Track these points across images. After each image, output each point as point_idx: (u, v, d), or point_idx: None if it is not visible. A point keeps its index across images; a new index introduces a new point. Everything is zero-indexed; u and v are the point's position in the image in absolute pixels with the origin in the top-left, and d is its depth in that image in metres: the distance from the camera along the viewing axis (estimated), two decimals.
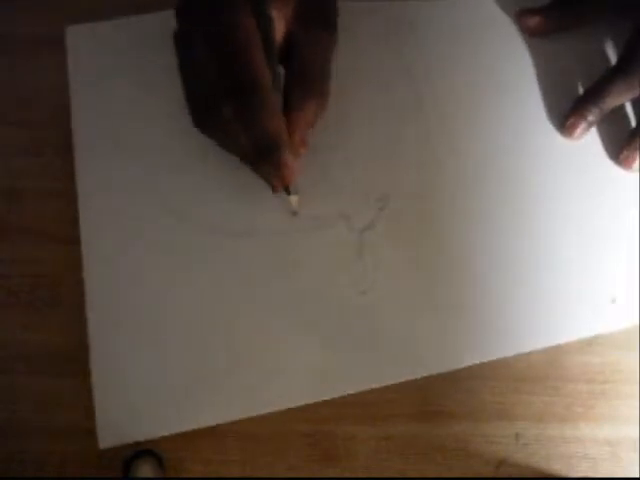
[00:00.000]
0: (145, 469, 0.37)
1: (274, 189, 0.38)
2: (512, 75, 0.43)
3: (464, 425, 0.38)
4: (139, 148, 0.41)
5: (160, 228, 0.39)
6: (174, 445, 0.38)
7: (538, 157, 0.41)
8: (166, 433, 0.37)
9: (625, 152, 0.41)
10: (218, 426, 0.38)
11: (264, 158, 0.36)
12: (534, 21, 0.43)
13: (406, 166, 0.41)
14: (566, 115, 0.41)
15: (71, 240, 0.40)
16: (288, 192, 0.38)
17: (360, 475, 0.38)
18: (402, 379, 0.38)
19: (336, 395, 0.38)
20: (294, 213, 0.39)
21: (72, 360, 0.38)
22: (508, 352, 0.38)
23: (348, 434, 0.38)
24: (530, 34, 0.43)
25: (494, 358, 0.38)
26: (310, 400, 0.38)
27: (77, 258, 0.39)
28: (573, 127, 0.41)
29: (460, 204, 0.40)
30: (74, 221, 0.40)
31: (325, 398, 0.38)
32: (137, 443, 0.37)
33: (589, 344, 0.39)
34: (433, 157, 0.41)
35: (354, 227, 0.40)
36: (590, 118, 0.41)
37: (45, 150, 0.41)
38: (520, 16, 0.43)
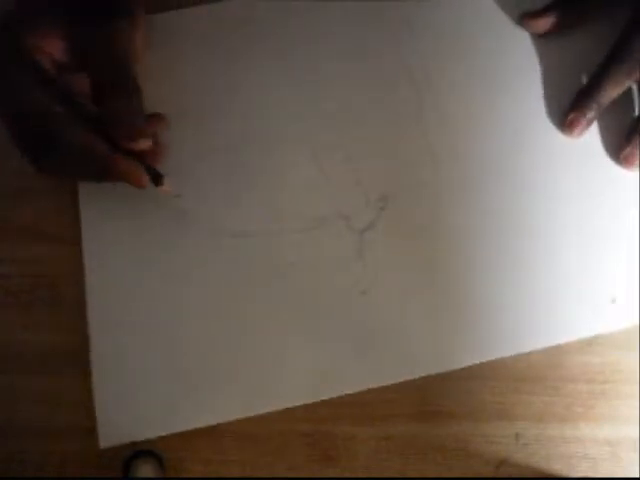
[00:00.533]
0: (145, 469, 0.37)
1: (141, 187, 0.37)
2: (512, 74, 0.43)
3: (464, 425, 0.38)
4: None
5: (160, 228, 0.39)
6: (174, 445, 0.38)
7: (538, 157, 0.41)
8: (166, 433, 0.37)
9: (626, 150, 0.40)
10: (218, 426, 0.38)
11: (106, 176, 0.36)
12: (540, 22, 0.42)
13: (406, 166, 0.41)
14: (565, 113, 0.41)
15: (71, 240, 0.40)
16: (158, 181, 0.37)
17: (360, 475, 0.38)
18: (401, 379, 0.38)
19: (335, 395, 0.38)
20: (177, 196, 0.39)
21: (72, 360, 0.38)
22: (507, 352, 0.38)
23: (348, 434, 0.38)
24: (536, 35, 0.43)
25: (493, 358, 0.38)
26: (309, 400, 0.38)
27: (77, 258, 0.39)
28: (573, 125, 0.41)
29: (460, 204, 0.40)
30: (74, 221, 0.40)
31: (324, 398, 0.38)
32: (137, 443, 0.37)
33: (589, 344, 0.39)
34: (433, 157, 0.41)
35: (354, 227, 0.40)
36: (589, 114, 0.41)
37: None
38: (525, 19, 0.43)
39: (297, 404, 0.38)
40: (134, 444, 0.37)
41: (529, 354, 0.39)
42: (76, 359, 0.38)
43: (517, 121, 0.42)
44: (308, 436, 0.38)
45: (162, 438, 0.37)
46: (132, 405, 0.37)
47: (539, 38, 0.43)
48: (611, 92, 0.40)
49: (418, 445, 0.38)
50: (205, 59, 0.42)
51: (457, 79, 0.42)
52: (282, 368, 0.38)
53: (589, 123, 0.41)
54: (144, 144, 0.36)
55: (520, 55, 0.43)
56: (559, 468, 0.38)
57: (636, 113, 0.42)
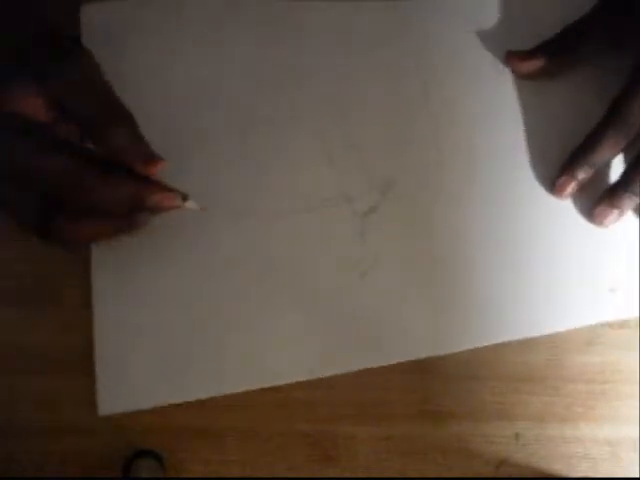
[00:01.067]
0: (145, 469, 0.37)
1: (173, 207, 0.35)
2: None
3: (464, 425, 0.38)
4: None
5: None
6: (174, 445, 0.38)
7: (542, 148, 0.41)
8: (164, 403, 0.37)
9: (600, 207, 0.39)
10: (218, 426, 0.38)
11: (138, 218, 0.34)
12: (524, 66, 0.41)
13: (411, 153, 0.41)
14: (557, 175, 0.40)
15: None
16: (184, 200, 0.35)
17: (360, 475, 0.38)
18: (397, 360, 0.38)
19: (331, 373, 0.38)
20: (203, 209, 0.37)
21: (72, 360, 0.38)
22: (505, 337, 0.39)
23: (348, 434, 0.38)
24: (521, 78, 0.42)
25: (491, 343, 0.38)
26: (305, 377, 0.38)
27: (77, 258, 0.39)
28: (562, 188, 0.40)
29: (462, 193, 0.41)
30: None
31: (321, 376, 0.38)
32: (137, 443, 0.37)
33: (589, 344, 0.39)
34: (437, 146, 0.41)
35: (357, 210, 0.40)
36: (581, 176, 0.39)
37: None
38: (509, 59, 0.42)
39: (293, 381, 0.38)
40: (134, 444, 0.37)
41: (529, 354, 0.39)
42: (76, 359, 0.38)
43: (522, 114, 0.42)
44: (308, 436, 0.38)
45: (162, 438, 0.37)
46: (131, 375, 0.38)
47: None
48: (607, 154, 0.39)
49: (418, 445, 0.38)
50: (217, 50, 0.42)
51: (464, 71, 0.42)
52: (280, 345, 0.38)
53: (581, 185, 0.40)
54: (161, 164, 0.34)
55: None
56: (559, 468, 0.38)
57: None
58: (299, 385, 0.38)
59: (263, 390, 0.38)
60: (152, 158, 0.34)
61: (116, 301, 0.39)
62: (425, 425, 0.38)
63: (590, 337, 0.39)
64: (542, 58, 0.41)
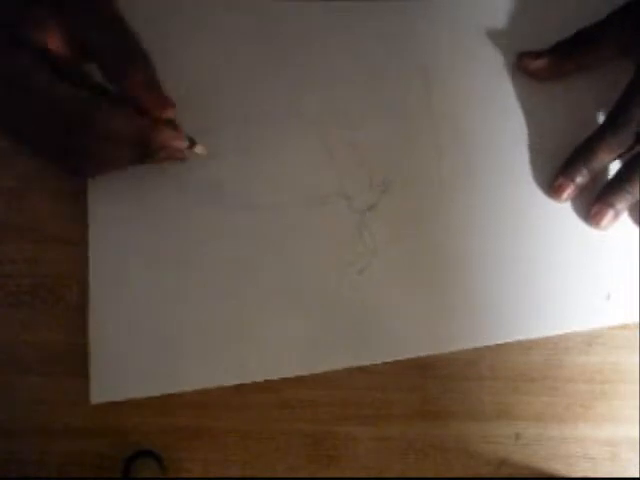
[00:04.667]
0: (145, 469, 0.37)
1: (182, 159, 0.37)
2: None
3: (464, 425, 0.38)
4: None
5: (159, 191, 0.40)
6: (174, 445, 0.38)
7: (542, 151, 0.41)
8: (156, 393, 0.38)
9: (596, 207, 0.39)
10: (218, 426, 0.38)
11: (148, 152, 0.36)
12: (533, 65, 0.42)
13: (411, 152, 0.41)
14: (554, 178, 0.40)
15: (71, 240, 0.40)
16: (191, 146, 0.37)
17: (360, 475, 0.38)
18: (392, 358, 0.38)
19: (328, 369, 0.38)
20: (209, 155, 0.39)
21: (72, 360, 0.38)
22: (500, 339, 0.39)
23: (348, 434, 0.38)
24: (532, 78, 0.42)
25: (485, 344, 0.39)
26: (301, 372, 0.38)
27: (77, 258, 0.39)
28: (561, 189, 0.40)
29: (461, 193, 0.41)
30: (74, 221, 0.40)
31: (317, 371, 0.38)
32: (137, 443, 0.37)
33: (589, 344, 0.39)
34: (437, 144, 0.41)
35: (355, 207, 0.40)
36: (579, 179, 0.40)
37: None
38: (519, 60, 0.42)
39: (289, 375, 0.38)
40: (134, 444, 0.37)
41: (529, 354, 0.39)
42: (76, 359, 0.38)
43: (523, 113, 0.42)
44: (308, 436, 0.38)
45: (162, 438, 0.37)
46: (125, 365, 0.38)
47: None
48: (604, 159, 0.39)
49: (418, 445, 0.38)
50: (223, 42, 0.42)
51: (468, 69, 0.43)
52: (276, 339, 0.38)
53: (578, 188, 0.40)
54: (172, 111, 0.36)
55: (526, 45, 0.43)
56: (559, 468, 0.38)
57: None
58: (299, 385, 0.38)
59: (263, 390, 0.38)
60: (165, 101, 0.35)
61: (111, 291, 0.39)
62: (425, 425, 0.38)
63: (590, 337, 0.39)
64: (554, 59, 0.41)
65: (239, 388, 0.38)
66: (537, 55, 0.42)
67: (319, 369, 0.38)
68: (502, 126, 0.42)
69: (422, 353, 0.39)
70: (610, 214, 0.39)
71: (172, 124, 0.36)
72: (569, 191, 0.40)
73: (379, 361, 0.38)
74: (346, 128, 0.41)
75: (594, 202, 0.40)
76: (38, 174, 0.41)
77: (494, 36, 0.43)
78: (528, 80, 0.42)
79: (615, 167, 0.40)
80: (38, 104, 0.34)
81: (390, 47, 0.43)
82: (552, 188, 0.40)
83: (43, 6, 0.34)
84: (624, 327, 0.39)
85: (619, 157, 0.40)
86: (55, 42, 0.34)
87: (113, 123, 0.34)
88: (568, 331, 0.39)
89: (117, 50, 0.35)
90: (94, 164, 0.37)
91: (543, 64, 0.41)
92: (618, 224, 0.40)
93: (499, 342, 0.39)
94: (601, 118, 0.41)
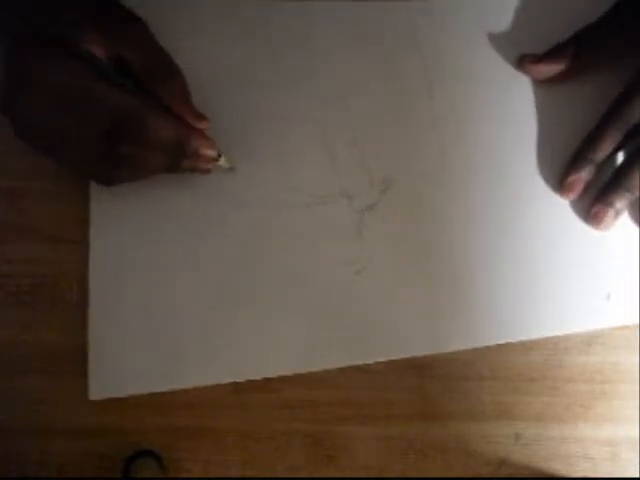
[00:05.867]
0: (145, 469, 0.37)
1: (207, 171, 0.38)
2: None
3: (464, 425, 0.38)
4: None
5: (160, 192, 0.40)
6: (174, 445, 0.38)
7: (543, 152, 0.41)
8: (154, 390, 0.38)
9: (596, 207, 0.40)
10: (218, 426, 0.38)
11: (181, 159, 0.37)
12: (538, 69, 0.42)
13: (411, 151, 0.41)
14: (563, 175, 0.40)
15: (71, 240, 0.40)
16: (217, 159, 0.38)
17: (360, 475, 0.38)
18: (387, 358, 0.38)
19: (326, 367, 0.38)
20: (232, 169, 0.40)
21: (72, 360, 0.38)
22: (501, 339, 0.39)
23: (348, 434, 0.38)
24: (534, 79, 0.42)
25: (485, 344, 0.39)
26: (296, 370, 0.38)
27: (77, 258, 0.39)
28: (571, 187, 0.40)
29: (461, 193, 0.41)
30: (74, 221, 0.40)
31: (314, 370, 0.38)
32: (137, 443, 0.37)
33: (589, 344, 0.39)
34: (438, 144, 0.41)
35: (355, 207, 0.40)
36: (585, 175, 0.40)
37: None
38: (523, 63, 0.42)
39: (287, 373, 0.38)
40: (134, 444, 0.37)
41: (528, 354, 0.39)
42: (76, 359, 0.38)
43: (525, 114, 0.42)
44: (308, 436, 0.38)
45: (162, 438, 0.37)
46: (124, 362, 0.38)
47: None
48: (608, 148, 0.39)
49: (418, 445, 0.38)
50: (223, 41, 0.43)
51: (470, 70, 0.43)
52: (273, 337, 0.39)
53: (585, 182, 0.40)
54: (205, 123, 0.37)
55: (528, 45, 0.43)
56: (559, 468, 0.38)
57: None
58: (299, 385, 0.38)
59: (263, 390, 0.38)
60: (199, 113, 0.37)
61: (111, 291, 0.39)
62: (425, 425, 0.38)
63: (590, 337, 0.39)
64: (555, 60, 0.41)
65: (239, 388, 0.38)
66: (538, 57, 0.42)
67: (317, 367, 0.38)
68: (502, 127, 0.42)
69: (421, 353, 0.39)
70: (610, 214, 0.39)
71: (203, 134, 0.38)
72: (580, 187, 0.40)
73: (378, 360, 0.39)
74: (346, 128, 0.42)
75: (594, 202, 0.40)
76: (38, 174, 0.41)
77: (495, 37, 0.43)
78: (529, 81, 0.42)
79: (614, 168, 0.40)
80: (81, 104, 0.34)
81: (391, 47, 0.43)
82: (563, 185, 0.40)
83: (88, 24, 0.36)
84: (624, 327, 0.39)
85: (619, 149, 0.40)
86: (99, 52, 0.36)
87: (152, 125, 0.35)
88: (568, 332, 0.39)
89: (156, 65, 0.37)
90: (129, 170, 0.37)
91: (544, 66, 0.41)
92: (618, 224, 0.40)
93: (499, 342, 0.39)
94: None
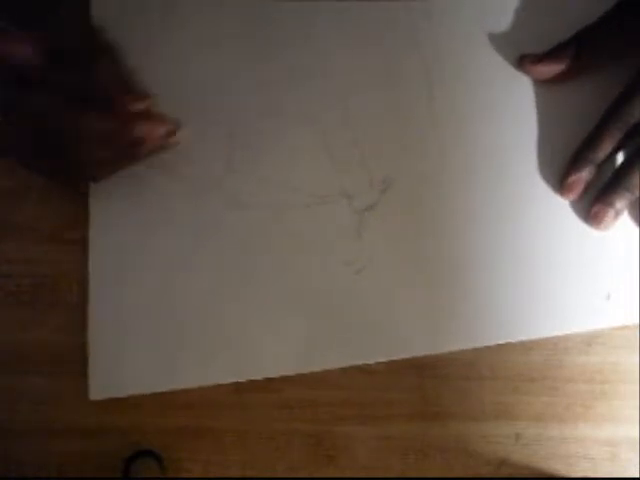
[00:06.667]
0: (145, 469, 0.37)
1: (175, 143, 0.38)
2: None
3: (464, 425, 0.38)
4: None
5: (160, 192, 0.40)
6: (174, 445, 0.38)
7: (543, 152, 0.41)
8: (155, 390, 0.38)
9: (596, 207, 0.39)
10: (217, 426, 0.38)
11: (133, 145, 0.36)
12: (538, 69, 0.42)
13: (412, 152, 0.41)
14: (563, 175, 0.40)
15: (71, 240, 0.40)
16: (174, 130, 0.38)
17: (360, 475, 0.38)
18: (393, 357, 0.38)
19: (326, 367, 0.38)
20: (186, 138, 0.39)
21: (72, 360, 0.38)
22: (501, 339, 0.39)
23: (348, 434, 0.38)
24: (534, 79, 0.42)
25: (485, 344, 0.39)
26: (299, 371, 0.38)
27: (77, 258, 0.39)
28: (571, 188, 0.40)
29: (462, 193, 0.41)
30: (74, 221, 0.40)
31: (314, 370, 0.38)
32: (137, 443, 0.37)
33: (589, 344, 0.39)
34: (439, 146, 0.41)
35: (355, 207, 0.40)
36: (586, 175, 0.40)
37: None
38: (523, 63, 0.42)
39: (287, 374, 0.38)
40: (134, 444, 0.37)
41: (529, 354, 0.39)
42: (76, 359, 0.38)
43: (525, 113, 0.42)
44: (308, 436, 0.38)
45: (162, 438, 0.37)
46: (124, 362, 0.38)
47: None
48: (608, 147, 0.39)
49: (418, 445, 0.38)
50: (224, 40, 0.42)
51: (470, 70, 0.42)
52: (273, 337, 0.38)
53: (586, 182, 0.40)
54: (147, 100, 0.36)
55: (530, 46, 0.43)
56: (559, 468, 0.38)
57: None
58: (299, 385, 0.38)
59: (263, 390, 0.38)
60: (138, 95, 0.36)
61: (111, 291, 0.39)
62: (425, 425, 0.38)
63: (590, 337, 0.39)
64: (556, 60, 0.41)
65: (239, 388, 0.38)
66: (538, 57, 0.42)
67: (317, 367, 0.38)
68: (502, 127, 0.42)
69: (421, 353, 0.39)
70: (610, 214, 0.39)
71: (146, 115, 0.36)
72: (580, 187, 0.40)
73: (378, 360, 0.39)
74: (346, 128, 0.42)
75: (594, 202, 0.40)
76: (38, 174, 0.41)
77: (495, 37, 0.43)
78: (529, 81, 0.42)
79: (614, 168, 0.40)
80: (21, 122, 0.34)
81: (391, 47, 0.43)
82: (564, 186, 0.40)
83: (21, 26, 0.34)
84: (624, 327, 0.39)
85: (619, 149, 0.40)
86: (29, 53, 0.34)
87: (84, 126, 0.34)
88: (568, 332, 0.39)
89: (77, 50, 0.35)
90: (87, 172, 0.37)
91: (544, 66, 0.41)
92: (618, 224, 0.40)
93: (499, 342, 0.39)
94: None
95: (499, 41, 0.43)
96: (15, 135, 0.35)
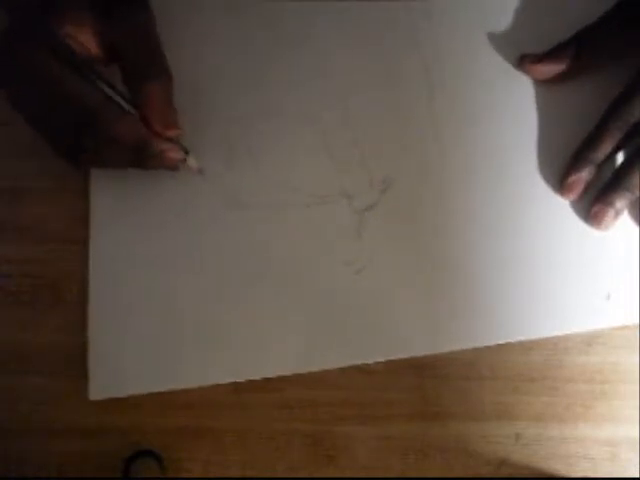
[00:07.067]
0: (145, 469, 0.37)
1: (174, 169, 0.38)
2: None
3: (464, 425, 0.38)
4: None
5: (160, 191, 0.40)
6: (174, 445, 0.38)
7: (543, 152, 0.41)
8: (154, 390, 0.38)
9: (596, 207, 0.39)
10: (217, 426, 0.38)
11: (144, 159, 0.37)
12: (539, 69, 0.42)
13: (412, 152, 0.41)
14: (563, 175, 0.40)
15: (71, 240, 0.40)
16: (184, 159, 0.38)
17: (360, 475, 0.38)
18: (386, 358, 0.38)
19: (326, 367, 0.38)
20: (200, 171, 0.40)
21: (72, 360, 0.38)
22: (501, 339, 0.39)
23: (348, 434, 0.38)
24: (535, 79, 0.42)
25: (485, 344, 0.39)
26: (298, 370, 0.38)
27: (78, 258, 0.39)
28: (571, 187, 0.40)
29: (462, 193, 0.41)
30: (74, 221, 0.40)
31: (313, 370, 0.38)
32: (137, 443, 0.37)
33: (589, 344, 0.39)
34: (439, 145, 0.41)
35: (355, 207, 0.40)
36: (586, 175, 0.40)
37: (46, 150, 0.40)
38: (523, 63, 0.42)
39: (287, 373, 0.38)
40: (134, 444, 0.37)
41: (529, 354, 0.39)
42: (76, 359, 0.38)
43: (525, 116, 0.42)
44: (308, 436, 0.38)
45: (162, 438, 0.37)
46: (124, 362, 0.38)
47: None
48: (608, 148, 0.39)
49: (418, 445, 0.38)
50: (225, 40, 0.43)
51: (470, 70, 0.43)
52: (273, 337, 0.39)
53: (586, 182, 0.40)
54: (175, 132, 0.37)
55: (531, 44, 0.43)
56: (559, 468, 0.38)
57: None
58: (299, 385, 0.38)
59: (263, 390, 0.38)
60: (171, 123, 0.37)
61: (111, 291, 0.39)
62: (425, 425, 0.38)
63: (590, 337, 0.39)
64: (556, 60, 0.41)
65: (239, 388, 0.38)
66: (538, 57, 0.42)
67: (317, 367, 0.38)
68: (502, 127, 0.42)
69: (421, 353, 0.39)
70: (610, 213, 0.39)
71: (171, 139, 0.37)
72: (580, 187, 0.40)
73: (378, 360, 0.39)
74: (346, 128, 0.42)
75: (594, 202, 0.40)
76: (38, 174, 0.41)
77: (495, 37, 0.43)
78: (529, 81, 0.42)
79: (614, 168, 0.40)
80: (50, 97, 0.35)
81: (391, 47, 0.43)
82: (564, 186, 0.40)
83: (83, 2, 0.36)
84: (624, 327, 0.39)
85: (619, 149, 0.40)
86: (85, 37, 0.36)
87: (115, 127, 0.35)
88: (568, 332, 0.39)
89: (142, 63, 0.36)
90: (93, 161, 0.37)
91: (544, 66, 0.41)
92: (618, 224, 0.40)
93: (499, 342, 0.39)
94: None
95: (499, 41, 0.43)
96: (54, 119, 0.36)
